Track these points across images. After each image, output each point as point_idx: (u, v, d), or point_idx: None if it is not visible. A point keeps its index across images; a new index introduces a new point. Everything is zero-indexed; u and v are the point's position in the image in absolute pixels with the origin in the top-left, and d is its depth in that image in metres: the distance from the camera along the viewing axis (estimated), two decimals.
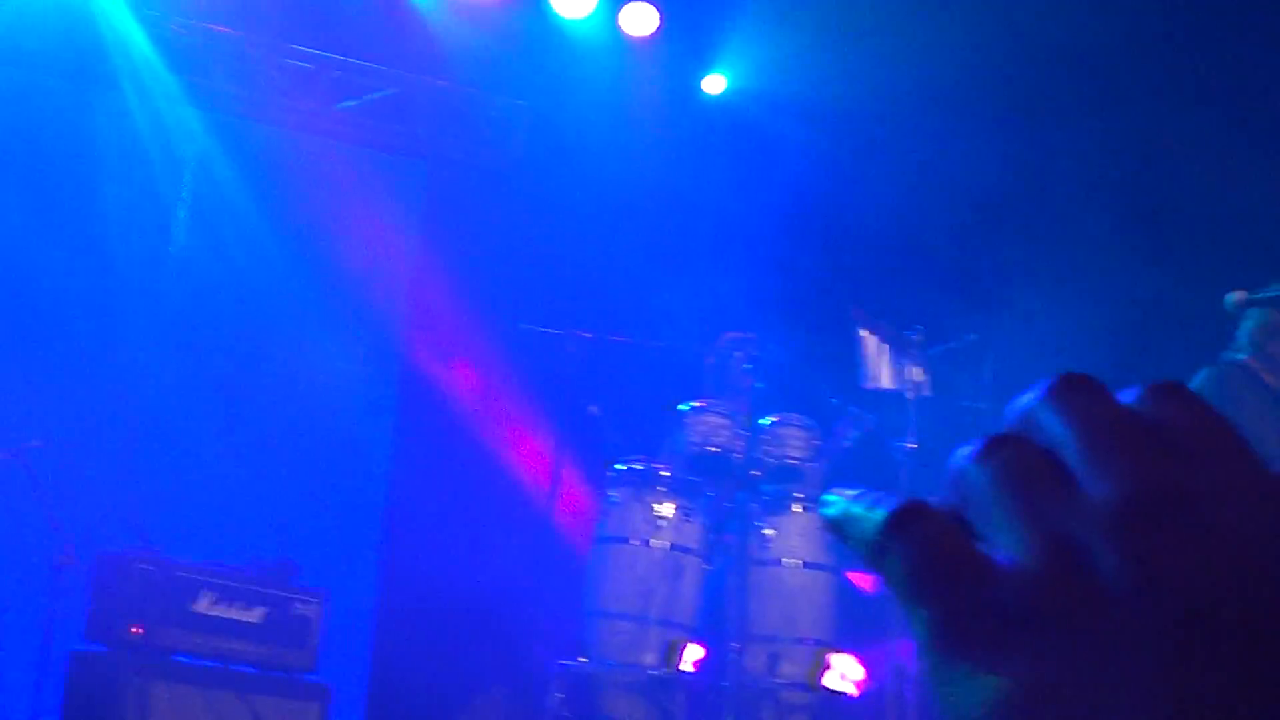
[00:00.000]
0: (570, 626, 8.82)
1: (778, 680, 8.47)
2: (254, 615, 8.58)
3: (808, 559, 8.67)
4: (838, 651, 8.60)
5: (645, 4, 9.50)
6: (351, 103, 10.41)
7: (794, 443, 8.88)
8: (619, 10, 9.53)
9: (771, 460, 8.84)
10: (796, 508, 8.74)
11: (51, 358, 10.04)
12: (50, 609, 8.36)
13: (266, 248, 10.68)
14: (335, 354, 10.61)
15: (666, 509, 8.65)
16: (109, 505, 9.57)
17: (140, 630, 8.33)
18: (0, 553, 9.38)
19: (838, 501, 0.74)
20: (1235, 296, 7.68)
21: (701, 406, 8.91)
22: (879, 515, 0.71)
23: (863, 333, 8.96)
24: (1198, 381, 7.70)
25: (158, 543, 8.71)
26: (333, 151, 10.66)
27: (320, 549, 9.84)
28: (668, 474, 8.73)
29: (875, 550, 0.71)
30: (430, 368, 10.62)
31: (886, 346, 8.93)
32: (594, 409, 9.19)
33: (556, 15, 9.48)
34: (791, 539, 8.69)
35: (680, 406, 8.96)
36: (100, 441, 10.01)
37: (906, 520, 0.71)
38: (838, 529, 0.74)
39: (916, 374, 8.85)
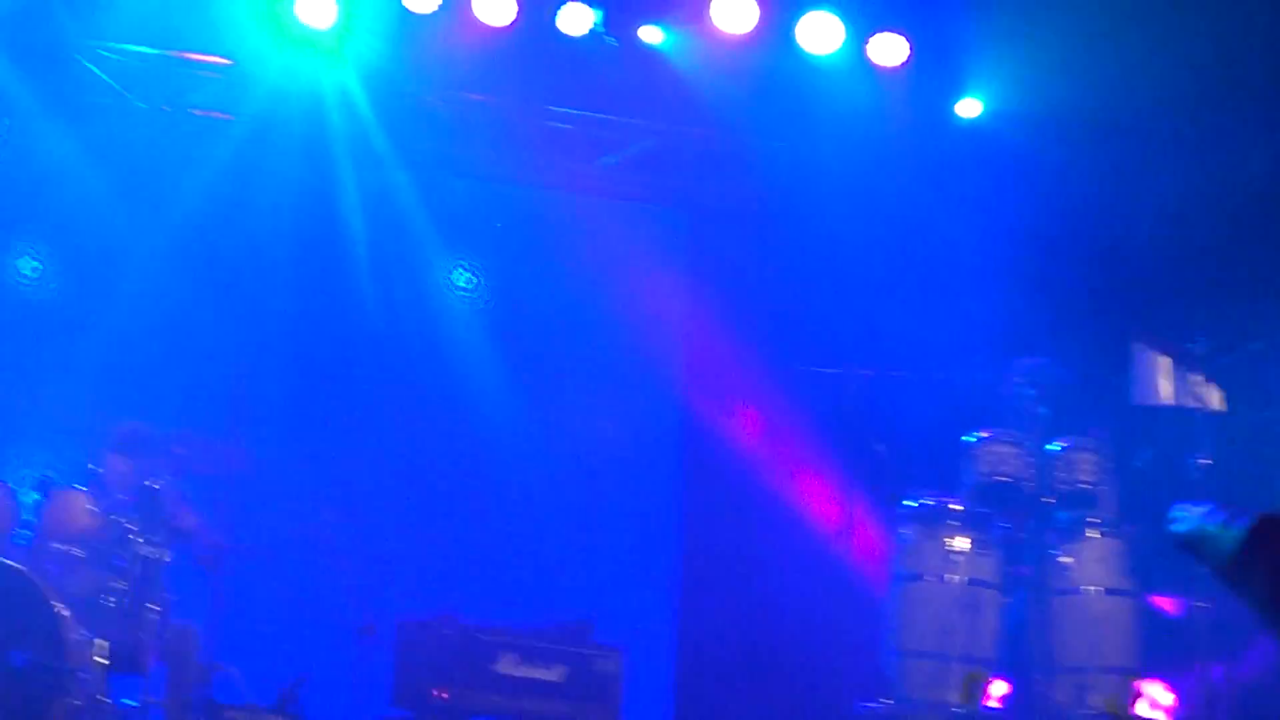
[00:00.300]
0: (871, 667, 8.72)
1: (1086, 712, 8.27)
2: (555, 674, 8.64)
3: (1108, 585, 8.46)
4: (1147, 679, 8.37)
5: (893, 34, 9.41)
6: (612, 158, 10.49)
7: (1085, 466, 8.68)
8: (867, 42, 9.45)
9: (1063, 486, 8.65)
10: (1092, 533, 8.54)
11: (343, 433, 10.28)
12: (356, 677, 8.53)
13: (542, 308, 10.81)
14: (618, 408, 10.67)
15: (960, 543, 8.52)
16: (408, 572, 9.74)
17: (445, 694, 8.44)
18: (305, 623, 9.60)
19: (1188, 518, 0.69)
20: None
21: (988, 436, 8.77)
22: (1238, 532, 0.66)
23: (1142, 348, 8.74)
24: None
25: (457, 607, 8.83)
26: (597, 208, 10.75)
27: (616, 604, 9.88)
28: (959, 508, 8.61)
29: (1236, 567, 0.66)
30: (713, 416, 10.61)
31: (1167, 361, 8.70)
32: (880, 446, 9.10)
33: (805, 52, 9.43)
34: (1090, 565, 8.49)
35: (966, 438, 8.83)
36: (397, 510, 10.20)
37: (1269, 535, 0.66)
38: (1191, 547, 0.68)
39: (1202, 387, 8.60)
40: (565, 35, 9.36)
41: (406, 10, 9.13)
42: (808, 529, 10.12)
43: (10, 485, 8.36)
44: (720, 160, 10.45)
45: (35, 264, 10.49)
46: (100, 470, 8.66)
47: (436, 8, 9.13)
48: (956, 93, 9.80)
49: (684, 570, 10.55)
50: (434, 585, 9.92)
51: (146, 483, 8.48)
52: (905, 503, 8.72)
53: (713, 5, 9.28)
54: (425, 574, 10.01)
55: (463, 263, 10.83)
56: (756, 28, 9.26)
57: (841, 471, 9.71)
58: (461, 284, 10.83)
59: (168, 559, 8.33)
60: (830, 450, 10.06)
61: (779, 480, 10.33)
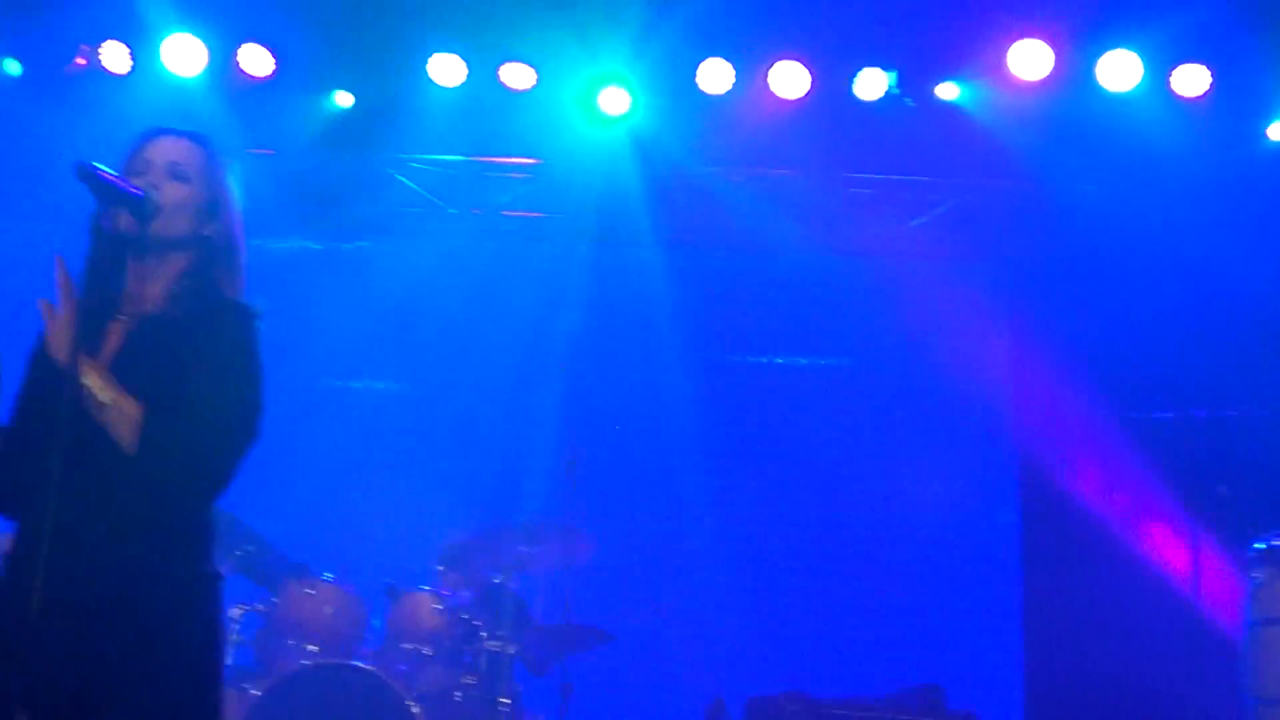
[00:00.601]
0: (1229, 718, 8.41)
1: None
2: None
3: None
4: None
5: (1195, 65, 9.12)
6: (921, 219, 10.39)
7: None
8: (1168, 75, 9.18)
9: None
10: None
11: (679, 512, 10.36)
12: None
13: (865, 374, 10.76)
14: (951, 468, 10.56)
15: None
16: (753, 648, 9.74)
17: None
18: (654, 705, 9.68)
19: None
20: None
21: None
22: None
23: None
24: None
25: (805, 680, 8.79)
26: (911, 271, 10.65)
27: (964, 666, 9.73)
28: None
29: None
30: (1049, 469, 10.40)
31: None
32: (1223, 488, 8.82)
33: (1106, 91, 9.20)
34: None
35: None
36: (738, 586, 10.23)
37: None
38: None
39: None
40: (861, 101, 9.31)
41: (700, 91, 9.20)
42: (1154, 579, 9.83)
43: (359, 591, 8.64)
44: (1030, 210, 10.25)
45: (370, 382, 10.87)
46: (442, 569, 8.88)
47: (730, 86, 9.18)
48: (1266, 116, 9.45)
49: (1027, 627, 10.34)
50: (780, 659, 9.90)
51: (493, 579, 8.68)
52: (1255, 545, 8.41)
53: (1010, 54, 9.12)
54: (770, 648, 10.01)
55: (779, 337, 10.85)
56: (1053, 72, 9.09)
57: (1185, 517, 9.40)
58: (780, 360, 10.84)
59: (514, 652, 8.49)
60: (1172, 496, 9.76)
61: (1121, 530, 10.06)
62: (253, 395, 4.13)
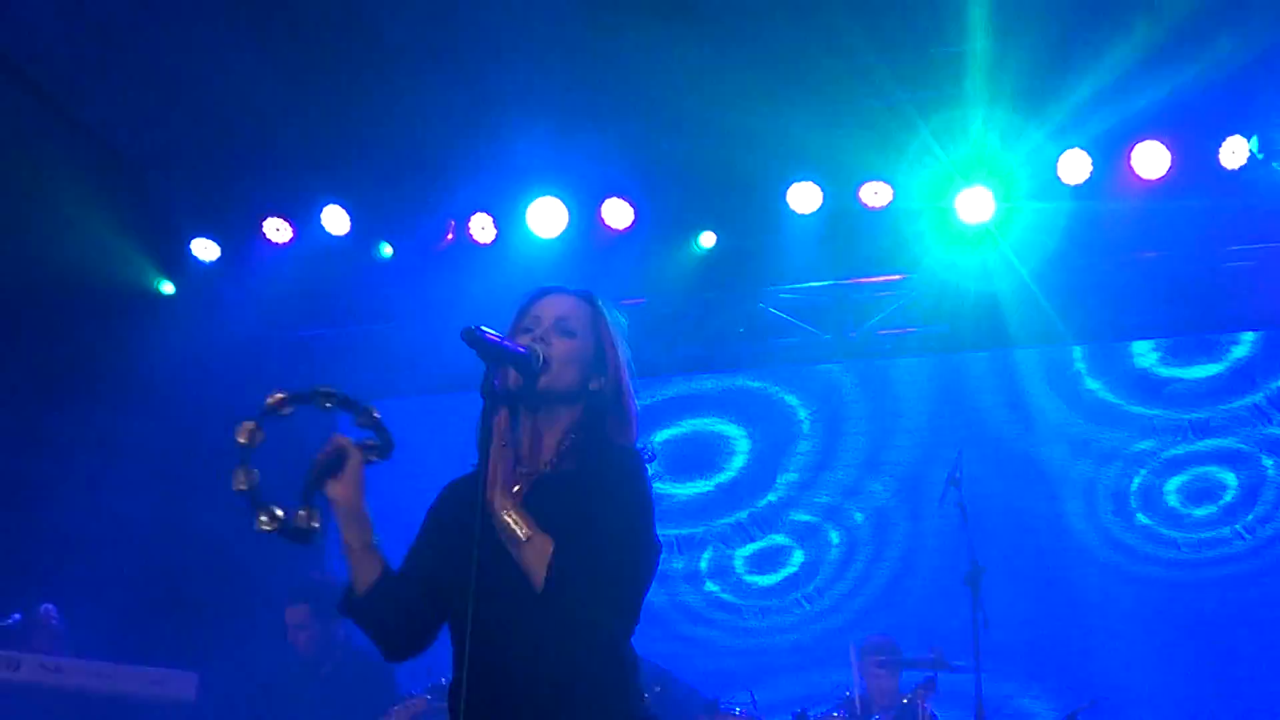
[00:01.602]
0: None
1: None
2: None
3: None
4: None
5: None
6: None
7: None
8: None
9: None
10: None
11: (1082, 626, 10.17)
12: None
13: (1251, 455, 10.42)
14: None
15: None
16: None
17: None
18: None
19: None
20: None
21: None
22: None
23: None
24: None
25: None
26: None
27: None
28: None
29: None
30: None
31: None
32: None
33: None
34: None
35: None
36: (1158, 677, 9.96)
37: None
38: None
39: None
40: (1226, 170, 9.06)
41: (1060, 183, 9.10)
42: None
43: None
44: None
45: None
46: (849, 693, 8.83)
47: (1088, 175, 9.06)
48: None
49: None
50: None
51: (903, 699, 8.61)
52: None
53: None
54: None
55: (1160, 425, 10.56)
56: None
57: None
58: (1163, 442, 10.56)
59: None
60: None
61: None
62: (649, 531, 4.16)
